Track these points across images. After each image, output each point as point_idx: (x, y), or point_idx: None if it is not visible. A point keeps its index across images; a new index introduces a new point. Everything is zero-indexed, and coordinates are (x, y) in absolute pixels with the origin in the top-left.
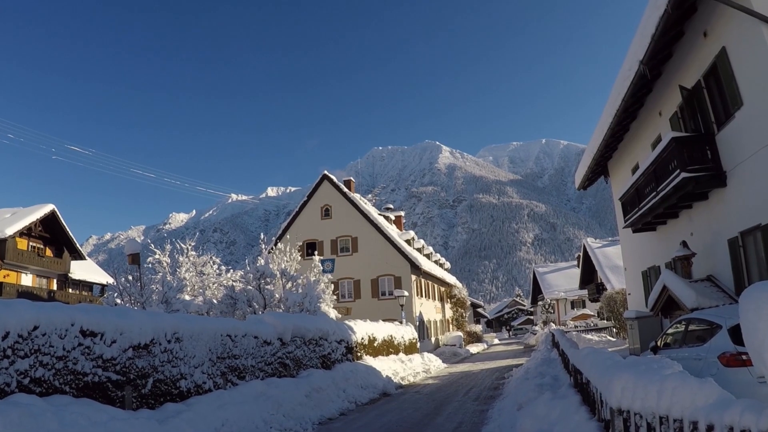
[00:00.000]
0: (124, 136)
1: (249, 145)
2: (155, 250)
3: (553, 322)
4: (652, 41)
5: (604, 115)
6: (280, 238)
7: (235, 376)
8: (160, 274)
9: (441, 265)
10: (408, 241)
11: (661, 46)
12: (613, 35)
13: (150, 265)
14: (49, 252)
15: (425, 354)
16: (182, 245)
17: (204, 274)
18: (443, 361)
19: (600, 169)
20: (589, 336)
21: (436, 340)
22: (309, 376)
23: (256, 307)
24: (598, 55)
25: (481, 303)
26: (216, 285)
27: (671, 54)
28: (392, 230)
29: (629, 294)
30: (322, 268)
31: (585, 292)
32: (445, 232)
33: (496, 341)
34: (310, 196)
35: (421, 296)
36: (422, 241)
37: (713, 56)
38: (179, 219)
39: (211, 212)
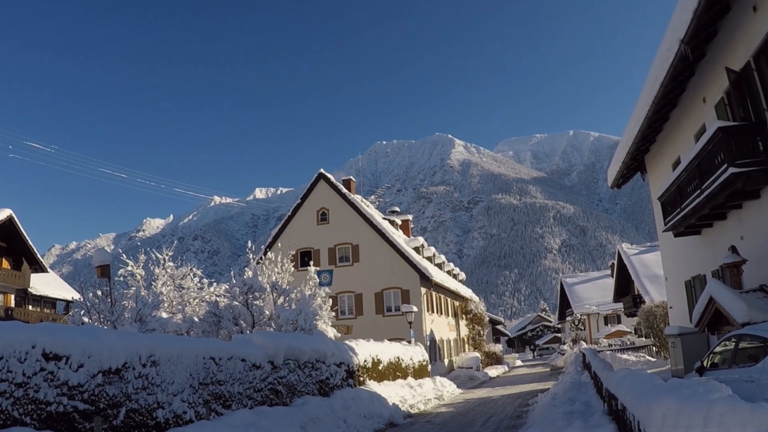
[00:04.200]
0: (91, 131)
1: (234, 141)
2: (127, 261)
3: (584, 341)
4: (694, 17)
5: (640, 103)
6: (270, 246)
7: (220, 404)
8: (134, 288)
9: (455, 276)
10: (417, 249)
11: (704, 22)
12: (652, 11)
13: (121, 279)
14: (5, 264)
15: (437, 378)
16: (158, 255)
17: (183, 288)
18: (458, 386)
19: (636, 164)
20: (625, 356)
21: (450, 362)
22: (304, 405)
23: (244, 325)
24: (632, 35)
25: (501, 319)
26: (197, 300)
27: (716, 32)
28: (398, 236)
29: (671, 307)
30: (318, 280)
31: (620, 305)
32: (460, 238)
33: (519, 363)
34: (304, 199)
35: (433, 312)
36: (433, 249)
37: (764, 33)
38: (154, 225)
39: (190, 217)
